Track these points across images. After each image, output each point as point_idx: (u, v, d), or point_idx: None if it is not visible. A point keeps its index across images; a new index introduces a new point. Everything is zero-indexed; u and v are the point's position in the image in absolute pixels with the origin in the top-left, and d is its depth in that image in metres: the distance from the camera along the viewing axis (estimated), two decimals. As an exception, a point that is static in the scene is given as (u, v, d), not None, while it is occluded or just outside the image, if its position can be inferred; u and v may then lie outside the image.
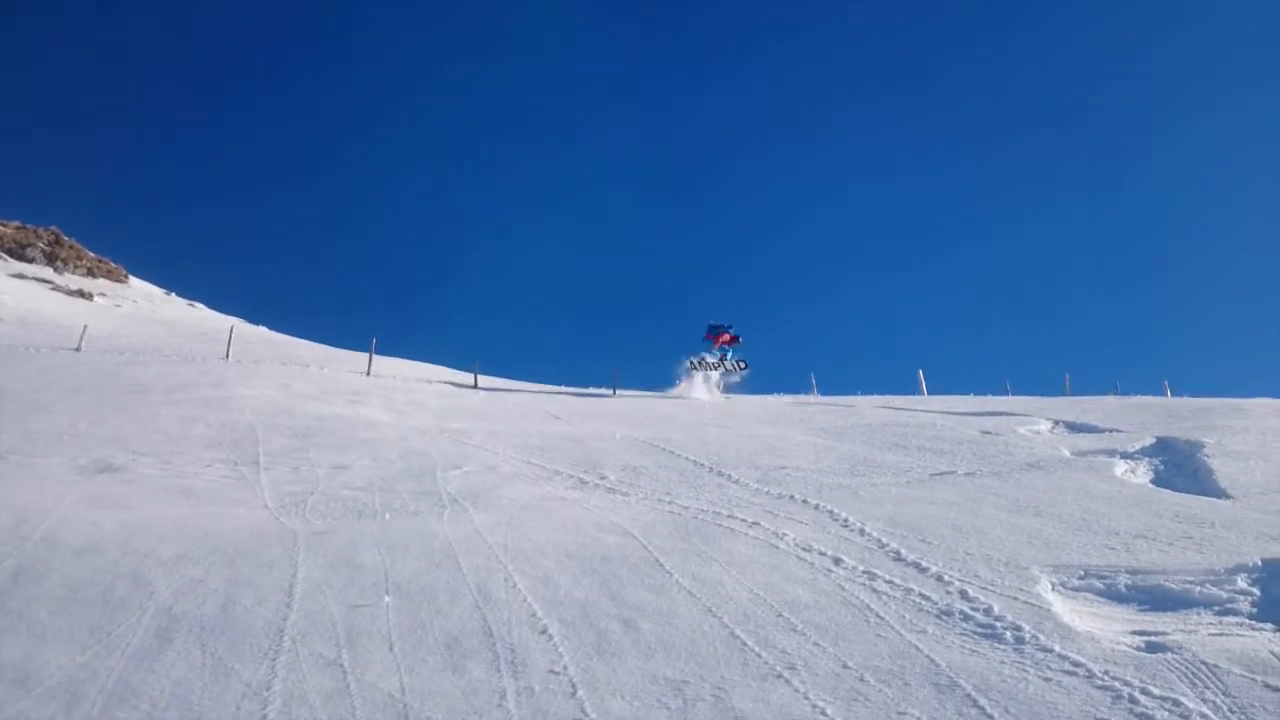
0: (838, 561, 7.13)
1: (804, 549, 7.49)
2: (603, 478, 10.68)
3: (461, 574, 6.90)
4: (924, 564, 7.00)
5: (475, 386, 24.37)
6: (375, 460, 11.73)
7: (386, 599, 6.38)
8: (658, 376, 27.42)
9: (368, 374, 23.82)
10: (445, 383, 24.68)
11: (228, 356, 24.12)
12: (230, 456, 11.75)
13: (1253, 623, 5.89)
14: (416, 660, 5.48)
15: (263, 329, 41.71)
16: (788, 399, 25.17)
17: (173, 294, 49.03)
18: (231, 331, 26.44)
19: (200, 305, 48.31)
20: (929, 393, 23.15)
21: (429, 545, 7.64)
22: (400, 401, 18.29)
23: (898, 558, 7.20)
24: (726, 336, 25.84)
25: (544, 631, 5.84)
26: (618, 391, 24.95)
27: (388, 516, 8.75)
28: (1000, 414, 16.21)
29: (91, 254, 46.59)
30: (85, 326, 24.71)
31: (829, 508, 8.81)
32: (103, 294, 41.34)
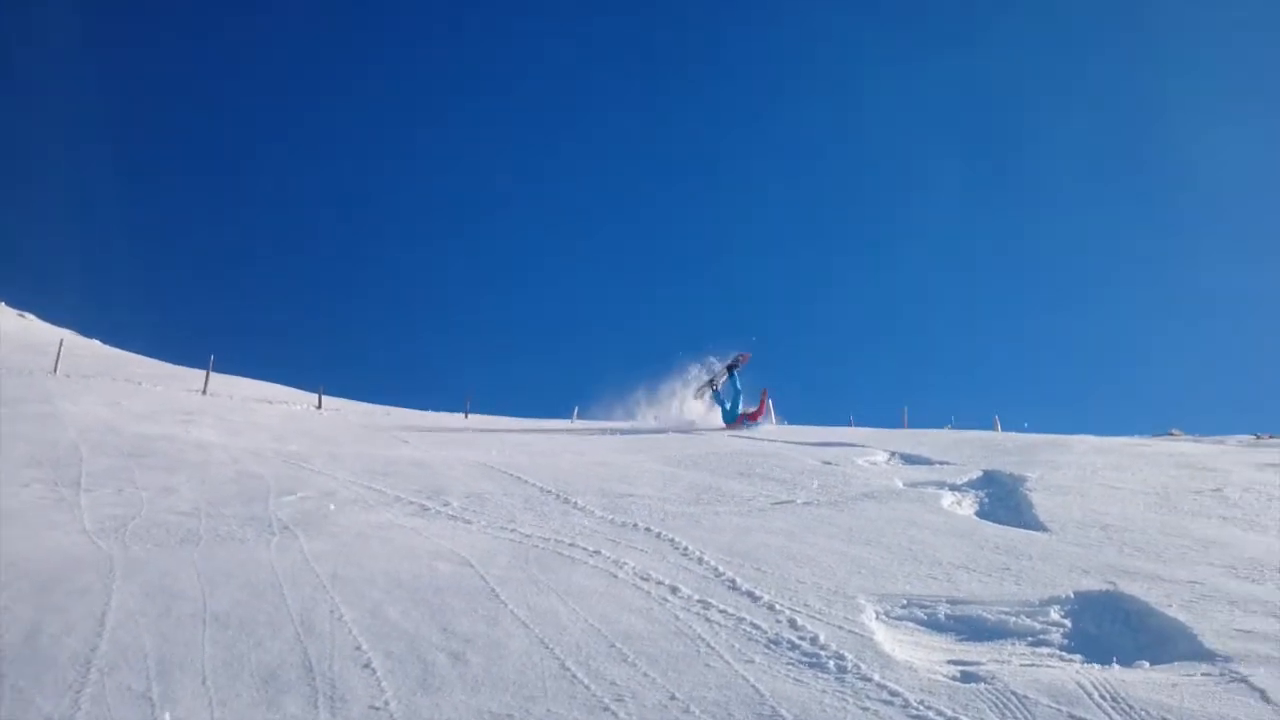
0: (674, 590, 7.17)
1: (642, 578, 7.51)
2: (445, 504, 10.51)
3: (285, 604, 6.68)
4: (757, 593, 7.10)
5: (319, 407, 23.74)
6: (205, 483, 11.30)
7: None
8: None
9: (204, 392, 22.94)
10: (287, 403, 23.97)
11: (56, 371, 22.89)
12: (50, 476, 11.15)
13: (1063, 654, 6.17)
14: (230, 694, 5.26)
15: (95, 343, 39.83)
16: (639, 424, 25.32)
17: (1, 303, 46.38)
18: (61, 345, 25.14)
19: (30, 316, 45.89)
20: (777, 423, 23.64)
21: (253, 574, 7.38)
22: (237, 422, 17.69)
23: (733, 586, 7.28)
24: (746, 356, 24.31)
25: (367, 665, 5.68)
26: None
27: (212, 543, 8.41)
28: (842, 445, 16.66)
29: (-93, 259, 43.65)
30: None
31: (670, 536, 8.87)
32: (-81, 302, 38.75)
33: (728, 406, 23.39)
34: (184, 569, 7.49)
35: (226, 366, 28.91)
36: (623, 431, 21.00)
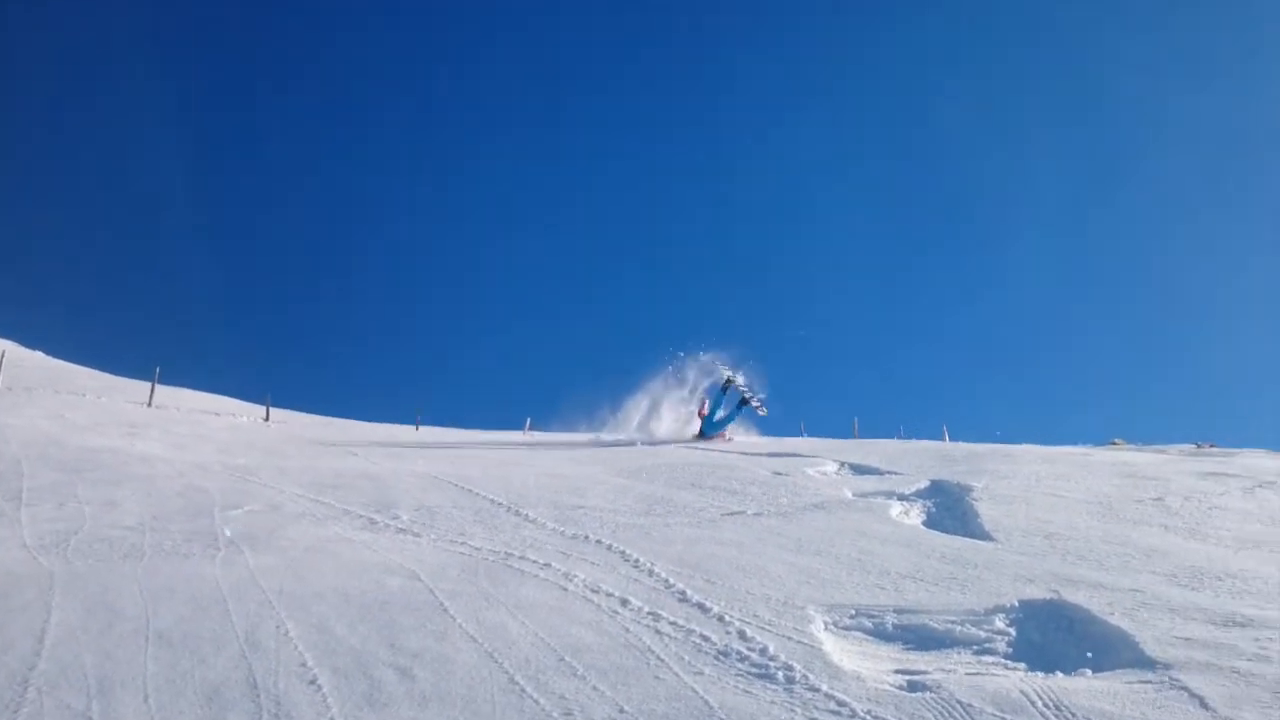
0: (624, 603, 7.17)
1: (593, 590, 7.50)
2: (395, 518, 10.42)
3: (230, 620, 6.59)
4: (707, 604, 7.13)
5: (267, 420, 23.47)
6: (150, 497, 11.11)
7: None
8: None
9: (149, 404, 22.59)
10: (234, 416, 23.67)
11: (-5, 383, 22.44)
12: (-12, 492, 10.90)
13: (1007, 662, 6.25)
14: (173, 712, 5.18)
15: (39, 354, 39.03)
16: (592, 437, 25.30)
17: (-62, 314, 45.33)
18: (2, 356, 24.64)
19: (-30, 328, 44.84)
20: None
21: (197, 589, 7.27)
22: (183, 434, 17.44)
23: (683, 598, 7.30)
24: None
25: (313, 681, 5.62)
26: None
27: (156, 558, 8.27)
28: (792, 455, 16.78)
29: None
30: None
31: (621, 548, 8.87)
32: None
33: (716, 417, 22.75)
34: (127, 585, 7.37)
35: (173, 378, 28.55)
36: (582, 445, 20.94)
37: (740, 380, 23.21)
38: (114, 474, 12.43)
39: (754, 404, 22.99)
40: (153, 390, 24.43)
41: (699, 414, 22.88)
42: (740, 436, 22.68)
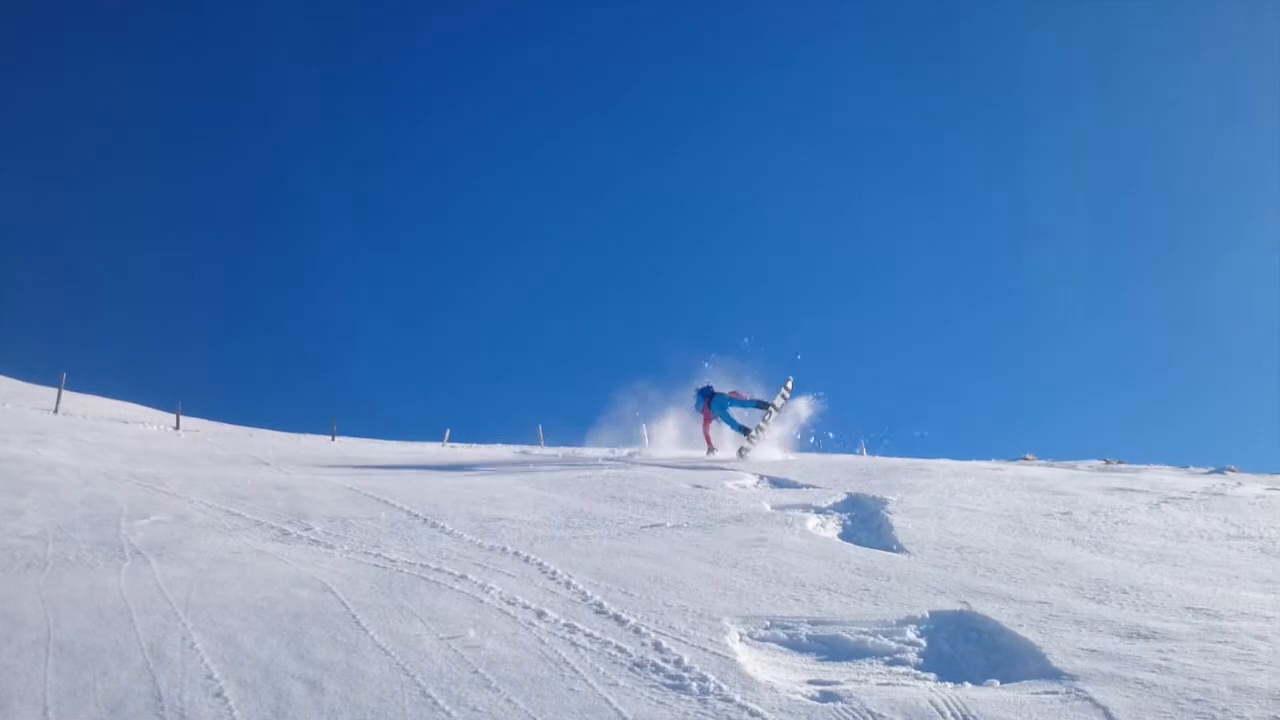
0: (541, 615, 7.12)
1: (509, 602, 7.44)
2: (307, 529, 10.23)
3: (134, 632, 6.40)
4: (624, 616, 7.11)
5: (177, 428, 22.92)
6: (53, 506, 10.76)
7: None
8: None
9: (55, 411, 21.90)
10: (144, 423, 23.08)
11: (-112, 388, 21.55)
12: (-123, 501, 10.46)
13: (918, 672, 6.34)
14: (70, 729, 5.01)
15: (-63, 360, 37.63)
16: (515, 449, 25.21)
17: None
18: (-104, 361, 23.70)
19: None
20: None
21: (101, 600, 7.05)
22: (89, 442, 16.94)
23: (600, 610, 7.27)
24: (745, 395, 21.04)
25: (219, 694, 5.48)
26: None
27: (59, 568, 8.01)
28: (713, 468, 16.87)
29: None
30: None
31: (539, 560, 8.82)
32: None
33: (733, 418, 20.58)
34: (27, 595, 7.12)
35: (80, 384, 27.73)
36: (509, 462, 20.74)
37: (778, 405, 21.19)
38: (16, 482, 12.02)
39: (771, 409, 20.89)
40: (59, 396, 23.70)
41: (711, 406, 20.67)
42: (662, 452, 22.38)
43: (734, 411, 20.42)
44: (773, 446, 20.70)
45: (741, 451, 19.72)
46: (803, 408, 21.83)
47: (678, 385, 22.86)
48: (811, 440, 22.13)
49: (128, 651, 6.08)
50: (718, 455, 19.80)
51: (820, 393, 21.90)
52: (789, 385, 21.31)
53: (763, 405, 20.72)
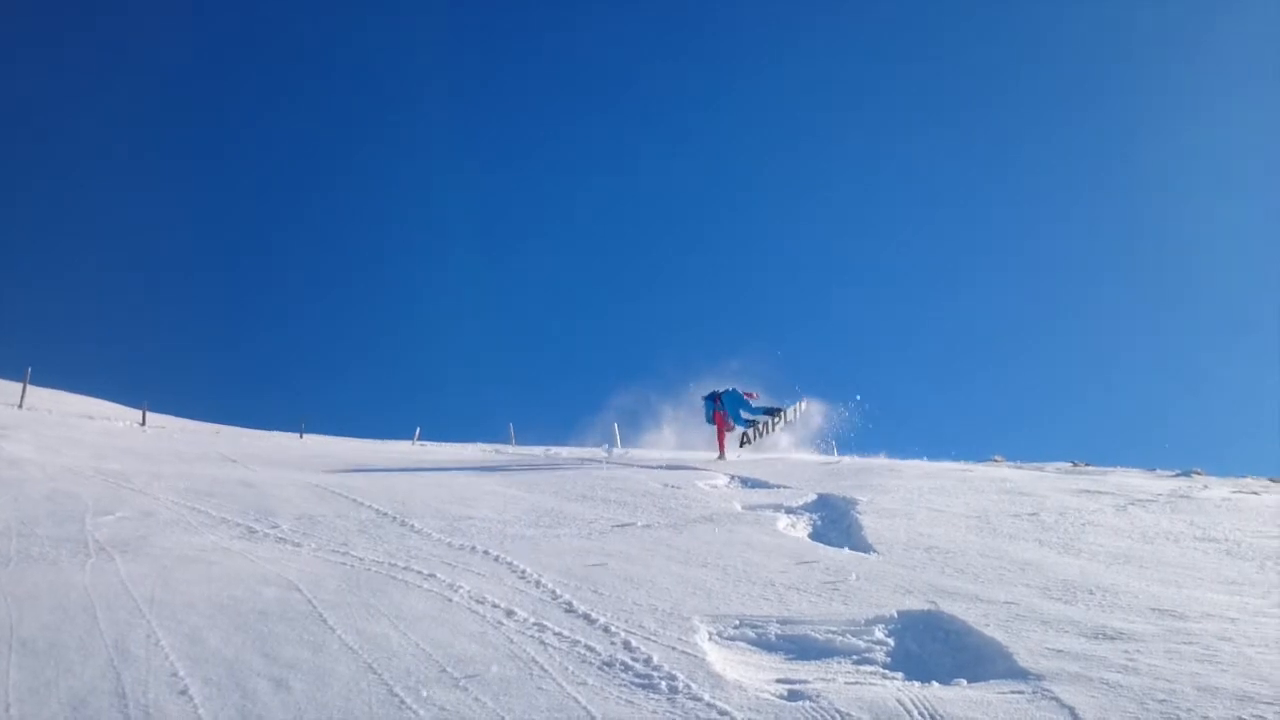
0: (510, 614, 7.09)
1: (478, 601, 7.40)
2: (274, 527, 10.14)
3: (98, 629, 6.32)
4: (594, 615, 7.09)
5: (143, 424, 22.68)
6: (17, 502, 10.64)
7: None
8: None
9: (20, 406, 21.63)
10: (109, 419, 22.82)
11: None
12: None
13: (886, 671, 6.36)
14: (32, 726, 4.94)
15: (-101, 354, 37.10)
16: (485, 448, 25.13)
17: None
18: None
19: None
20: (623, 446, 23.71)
21: (65, 597, 6.96)
22: (54, 438, 16.74)
23: (569, 609, 7.25)
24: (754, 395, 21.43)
25: (184, 692, 5.41)
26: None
27: (22, 564, 7.90)
28: (684, 468, 16.88)
29: None
30: None
31: (509, 559, 8.78)
32: None
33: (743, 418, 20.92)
34: (-13, 593, 7.02)
35: (46, 380, 27.40)
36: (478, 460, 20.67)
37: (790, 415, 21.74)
38: (-24, 478, 11.86)
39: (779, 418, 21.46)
40: (24, 391, 23.40)
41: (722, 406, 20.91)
42: (633, 452, 22.46)
43: (745, 413, 20.96)
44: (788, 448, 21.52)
45: (743, 441, 20.49)
46: (814, 415, 22.61)
47: (655, 386, 23.13)
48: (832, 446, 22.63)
49: (92, 648, 6.00)
50: (728, 458, 20.02)
51: (848, 400, 22.84)
52: (802, 406, 21.99)
53: (772, 412, 21.36)
